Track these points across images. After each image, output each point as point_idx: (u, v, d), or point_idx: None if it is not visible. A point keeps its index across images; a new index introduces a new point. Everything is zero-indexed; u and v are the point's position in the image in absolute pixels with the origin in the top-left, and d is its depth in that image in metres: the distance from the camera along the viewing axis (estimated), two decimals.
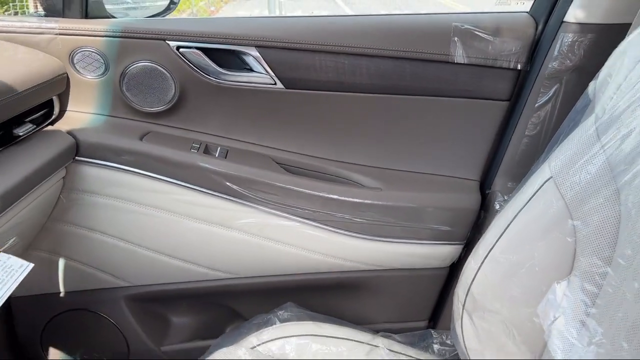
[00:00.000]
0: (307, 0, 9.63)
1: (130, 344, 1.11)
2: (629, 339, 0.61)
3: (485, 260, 0.87)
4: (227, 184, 0.96)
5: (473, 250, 0.87)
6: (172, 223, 0.99)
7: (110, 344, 1.11)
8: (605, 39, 0.86)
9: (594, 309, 0.71)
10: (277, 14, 6.96)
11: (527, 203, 0.84)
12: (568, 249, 0.76)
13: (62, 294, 1.07)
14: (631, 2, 0.85)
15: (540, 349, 0.77)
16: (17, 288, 1.05)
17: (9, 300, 1.08)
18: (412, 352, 0.97)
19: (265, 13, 7.45)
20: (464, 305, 0.92)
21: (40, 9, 1.00)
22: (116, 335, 1.10)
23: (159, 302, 1.10)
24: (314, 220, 0.99)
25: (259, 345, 0.92)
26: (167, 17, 1.06)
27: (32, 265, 0.71)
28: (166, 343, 1.12)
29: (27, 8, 0.98)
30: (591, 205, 0.73)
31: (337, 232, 1.00)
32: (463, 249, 1.04)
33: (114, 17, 1.02)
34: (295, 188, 0.97)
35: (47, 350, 1.13)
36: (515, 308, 0.83)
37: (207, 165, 0.96)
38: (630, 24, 0.82)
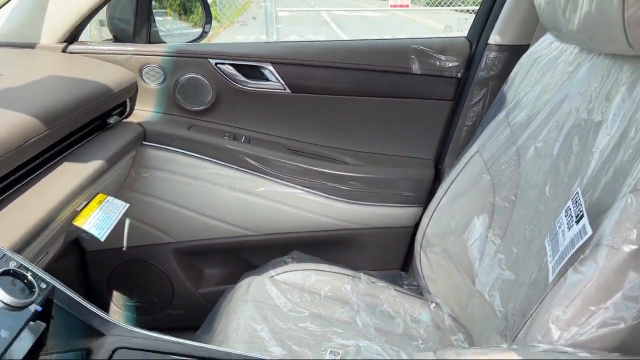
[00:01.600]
0: (304, 26, 10.09)
1: (174, 288, 1.47)
2: (518, 246, 0.99)
3: (435, 211, 1.25)
4: (249, 161, 1.34)
5: (428, 207, 1.25)
6: (208, 190, 1.35)
7: (159, 288, 1.47)
8: (513, 55, 1.25)
9: (498, 230, 1.09)
10: (275, 39, 7.42)
11: (462, 170, 1.22)
12: (485, 195, 1.14)
13: (124, 248, 1.43)
14: (529, 31, 1.24)
15: (472, 268, 1.13)
16: (90, 243, 1.41)
17: (84, 253, 1.44)
18: (384, 282, 1.33)
19: (263, 37, 7.91)
20: (421, 246, 1.29)
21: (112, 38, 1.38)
22: (164, 280, 1.46)
23: (196, 254, 1.46)
24: (312, 188, 1.36)
25: (276, 275, 1.28)
26: (205, 41, 1.45)
27: (127, 205, 1.07)
28: (201, 287, 1.48)
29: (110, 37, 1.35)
30: (501, 162, 1.11)
31: (329, 197, 1.37)
32: (423, 210, 1.41)
33: (164, 42, 1.41)
34: (298, 164, 1.35)
35: (111, 294, 1.48)
36: (453, 241, 1.19)
37: (234, 148, 1.34)
38: (529, 45, 1.20)
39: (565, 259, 0.80)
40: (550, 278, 0.82)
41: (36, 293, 0.67)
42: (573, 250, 0.80)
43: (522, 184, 1.06)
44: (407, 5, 7.91)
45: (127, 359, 0.71)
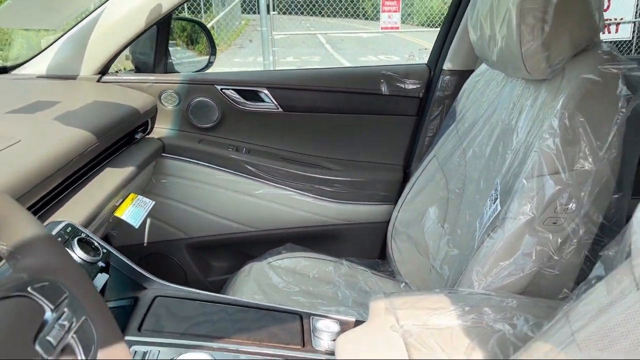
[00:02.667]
0: (299, 47, 10.42)
1: (187, 277, 1.74)
2: (461, 229, 1.27)
3: (402, 205, 1.53)
4: (249, 168, 1.62)
5: (397, 202, 1.53)
6: (215, 193, 1.63)
7: (174, 277, 1.73)
8: (461, 78, 1.54)
9: (447, 217, 1.37)
10: (271, 60, 7.74)
11: (422, 171, 1.50)
12: (439, 190, 1.42)
13: (145, 244, 1.70)
14: (473, 59, 1.54)
15: (428, 250, 1.40)
16: (117, 239, 1.68)
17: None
18: (363, 267, 1.60)
19: (259, 60, 8.23)
20: (391, 235, 1.56)
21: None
22: (178, 271, 1.73)
23: (205, 248, 1.74)
24: (301, 190, 1.64)
25: (272, 261, 1.55)
26: (212, 70, 1.75)
27: (153, 202, 1.35)
28: (210, 276, 1.75)
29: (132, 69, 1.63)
30: (450, 163, 1.40)
31: (316, 197, 1.65)
32: (394, 206, 1.69)
33: (178, 71, 1.70)
34: (289, 170, 1.63)
35: None
36: (414, 228, 1.47)
37: (236, 157, 1.62)
38: (473, 70, 1.49)
39: (483, 231, 1.09)
40: (476, 246, 1.10)
41: (100, 255, 0.94)
42: (488, 223, 1.09)
43: (465, 179, 1.34)
44: (398, 27, 8.25)
45: (164, 304, 0.98)
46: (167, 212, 1.65)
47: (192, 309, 0.97)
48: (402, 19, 9.32)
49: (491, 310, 0.88)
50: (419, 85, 1.63)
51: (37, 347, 0.44)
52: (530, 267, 1.00)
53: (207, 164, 1.62)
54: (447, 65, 1.60)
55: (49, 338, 0.45)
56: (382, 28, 8.46)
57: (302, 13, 11.78)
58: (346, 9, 11.26)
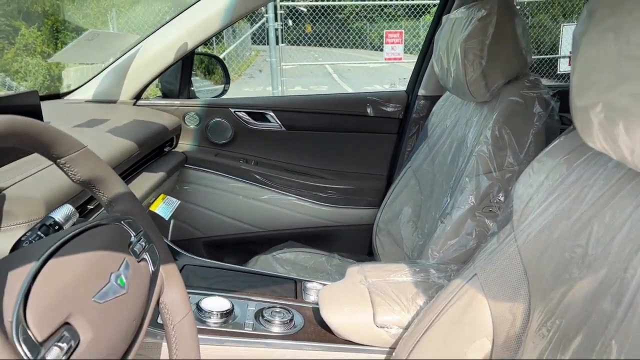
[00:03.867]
0: (307, 77, 10.82)
1: None
2: (429, 223, 1.57)
3: (384, 207, 1.83)
4: (257, 177, 1.94)
5: (381, 205, 1.83)
6: (228, 198, 1.95)
7: None
8: (432, 102, 1.86)
9: (418, 214, 1.66)
10: (280, 90, 8.15)
11: (400, 179, 1.81)
12: (413, 193, 1.72)
13: (168, 241, 2.01)
14: (441, 86, 1.86)
15: (403, 242, 1.70)
16: None
17: None
18: (352, 260, 1.90)
19: (269, 89, 8.63)
20: (375, 232, 1.86)
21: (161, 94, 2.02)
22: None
23: (219, 246, 2.04)
24: (301, 196, 1.96)
25: (276, 254, 1.85)
26: (227, 96, 2.08)
27: (179, 202, 1.66)
28: None
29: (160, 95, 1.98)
30: (422, 171, 1.70)
31: (313, 202, 1.96)
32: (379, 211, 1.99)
33: (198, 97, 2.04)
34: (291, 179, 1.95)
35: None
36: (393, 225, 1.76)
37: (246, 168, 1.94)
38: (441, 95, 1.81)
39: (438, 218, 1.39)
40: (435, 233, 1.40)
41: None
42: (441, 212, 1.39)
43: (434, 184, 1.65)
44: (401, 58, 8.65)
45: (191, 270, 1.29)
46: (188, 214, 1.97)
47: (213, 273, 1.27)
48: (409, 49, 9.72)
49: (436, 271, 1.18)
50: (399, 109, 1.96)
51: (130, 251, 0.75)
52: (471, 244, 1.30)
53: (221, 174, 1.94)
54: (421, 92, 1.92)
55: (135, 249, 0.76)
56: (385, 59, 8.86)
57: (310, 44, 12.21)
58: (353, 40, 11.71)
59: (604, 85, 0.61)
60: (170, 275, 0.83)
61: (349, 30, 11.85)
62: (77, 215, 0.81)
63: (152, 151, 1.68)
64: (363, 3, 11.93)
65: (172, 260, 0.85)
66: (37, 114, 1.15)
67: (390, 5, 9.87)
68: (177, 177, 1.89)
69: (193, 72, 2.16)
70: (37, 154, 0.69)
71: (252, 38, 11.56)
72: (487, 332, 0.88)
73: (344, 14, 12.61)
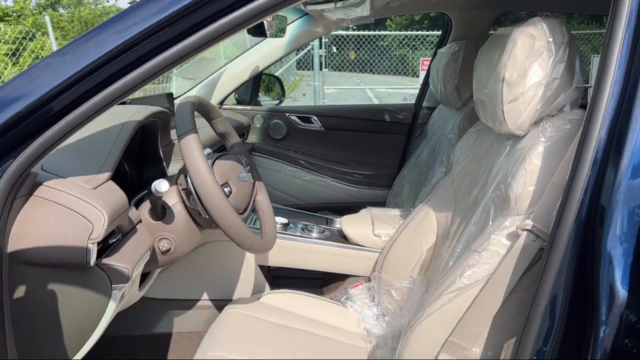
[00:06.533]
0: (348, 101, 11.38)
1: None
2: (417, 189, 2.29)
3: (394, 187, 2.54)
4: (302, 162, 2.69)
5: (391, 187, 2.55)
6: (281, 177, 2.69)
7: None
8: (432, 111, 2.56)
9: (416, 188, 2.37)
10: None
11: (405, 168, 2.52)
12: (413, 173, 2.43)
13: None
14: (435, 100, 2.57)
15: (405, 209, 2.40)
16: None
17: None
18: None
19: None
20: (387, 205, 2.56)
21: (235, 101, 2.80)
22: None
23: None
24: (332, 177, 2.70)
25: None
26: (282, 105, 2.86)
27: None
28: None
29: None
30: (421, 157, 2.41)
31: (342, 183, 2.69)
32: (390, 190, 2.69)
33: (262, 105, 2.81)
34: (326, 165, 2.69)
35: None
36: (398, 199, 2.47)
37: (295, 156, 2.70)
38: (437, 106, 2.52)
39: (423, 183, 2.09)
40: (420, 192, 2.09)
41: None
42: (427, 180, 2.08)
43: (428, 167, 2.33)
44: None
45: None
46: None
47: (277, 210, 2.00)
48: None
49: (414, 208, 1.87)
50: (408, 116, 2.68)
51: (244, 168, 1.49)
52: None
53: (277, 160, 2.69)
54: (425, 104, 2.64)
55: (245, 168, 1.50)
56: (421, 85, 9.52)
57: (353, 70, 12.90)
58: (395, 67, 12.30)
59: (481, 86, 1.30)
60: (260, 186, 1.57)
61: (391, 57, 12.41)
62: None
63: None
64: (405, 33, 12.52)
65: (261, 179, 1.59)
66: (172, 105, 1.95)
67: (432, 35, 10.55)
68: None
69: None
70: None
71: (297, 64, 12.30)
72: (433, 229, 1.57)
73: (387, 41, 13.10)
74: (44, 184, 0.97)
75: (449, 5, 2.43)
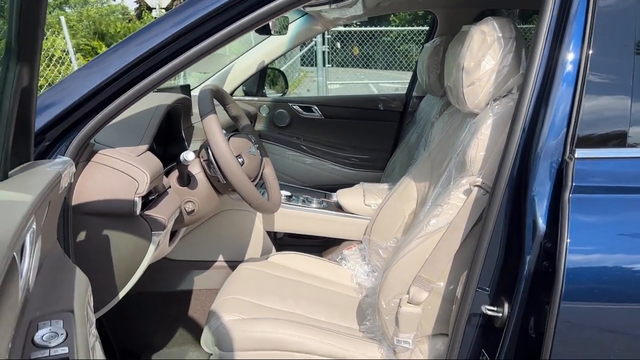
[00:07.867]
0: (348, 92, 11.69)
1: None
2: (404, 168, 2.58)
3: (386, 170, 2.82)
4: (304, 147, 2.98)
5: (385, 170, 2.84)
6: (285, 161, 2.97)
7: None
8: (420, 100, 2.83)
9: (407, 167, 2.66)
10: None
11: (397, 152, 2.80)
12: (402, 156, 2.71)
13: None
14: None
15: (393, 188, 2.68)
16: None
17: None
18: None
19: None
20: (381, 180, 2.84)
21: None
22: None
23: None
24: (332, 161, 2.98)
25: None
26: (286, 97, 3.14)
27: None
28: None
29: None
30: (411, 141, 2.70)
31: (340, 166, 2.98)
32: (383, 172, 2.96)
33: (268, 96, 3.10)
34: (326, 150, 2.97)
35: None
36: (389, 178, 2.75)
37: (297, 142, 2.99)
38: (425, 95, 2.80)
39: (410, 162, 2.37)
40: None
41: None
42: (413, 160, 2.37)
43: (415, 149, 2.61)
44: None
45: None
46: None
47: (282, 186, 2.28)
48: None
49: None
50: (400, 104, 2.95)
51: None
52: None
53: (282, 145, 2.98)
54: (414, 93, 2.92)
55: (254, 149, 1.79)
56: None
57: (357, 66, 13.04)
58: (399, 62, 12.42)
59: (449, 74, 1.58)
60: (267, 161, 1.85)
61: (394, 53, 12.50)
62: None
63: None
64: (409, 29, 12.61)
65: (267, 156, 1.87)
66: (189, 95, 2.24)
67: None
68: None
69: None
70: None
71: (301, 60, 12.52)
72: (414, 197, 1.85)
73: (391, 37, 13.22)
74: (99, 152, 1.26)
75: (434, 4, 2.70)
